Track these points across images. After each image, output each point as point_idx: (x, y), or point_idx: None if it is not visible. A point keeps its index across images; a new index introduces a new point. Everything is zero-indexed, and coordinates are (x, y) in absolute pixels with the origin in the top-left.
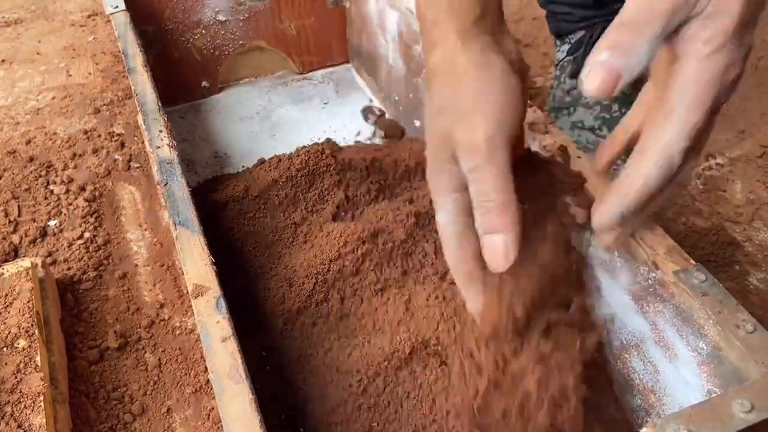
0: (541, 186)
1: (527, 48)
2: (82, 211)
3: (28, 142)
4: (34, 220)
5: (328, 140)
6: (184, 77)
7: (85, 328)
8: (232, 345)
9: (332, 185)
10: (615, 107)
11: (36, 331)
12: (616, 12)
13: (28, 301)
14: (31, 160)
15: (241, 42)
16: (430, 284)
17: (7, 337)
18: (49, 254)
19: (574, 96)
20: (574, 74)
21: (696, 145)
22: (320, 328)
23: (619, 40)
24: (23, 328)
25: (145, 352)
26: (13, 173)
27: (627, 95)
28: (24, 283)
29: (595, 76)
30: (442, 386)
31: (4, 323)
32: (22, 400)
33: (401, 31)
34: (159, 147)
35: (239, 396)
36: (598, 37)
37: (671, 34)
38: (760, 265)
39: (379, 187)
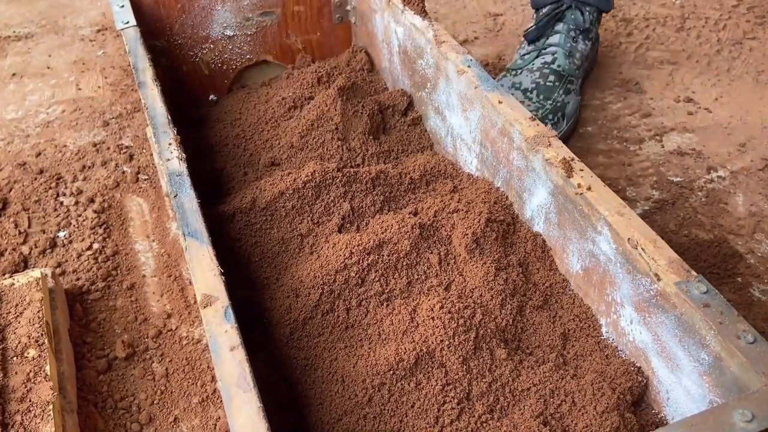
0: None
1: None
2: (91, 222)
3: (38, 154)
4: (44, 231)
5: None
6: (192, 90)
7: (94, 338)
8: (241, 354)
9: (338, 197)
10: (551, 78)
11: (45, 341)
12: None
13: (38, 311)
14: (41, 172)
15: (248, 56)
16: (435, 295)
17: (17, 346)
18: (59, 265)
19: (525, 60)
20: (532, 40)
21: None
22: (326, 338)
23: None
24: (33, 338)
25: (153, 362)
26: (23, 185)
27: (563, 75)
28: (34, 293)
29: None
30: None
31: (15, 333)
32: (31, 408)
33: (405, 46)
34: (169, 159)
35: (247, 404)
36: (562, 13)
37: None
38: (762, 277)
39: (384, 199)
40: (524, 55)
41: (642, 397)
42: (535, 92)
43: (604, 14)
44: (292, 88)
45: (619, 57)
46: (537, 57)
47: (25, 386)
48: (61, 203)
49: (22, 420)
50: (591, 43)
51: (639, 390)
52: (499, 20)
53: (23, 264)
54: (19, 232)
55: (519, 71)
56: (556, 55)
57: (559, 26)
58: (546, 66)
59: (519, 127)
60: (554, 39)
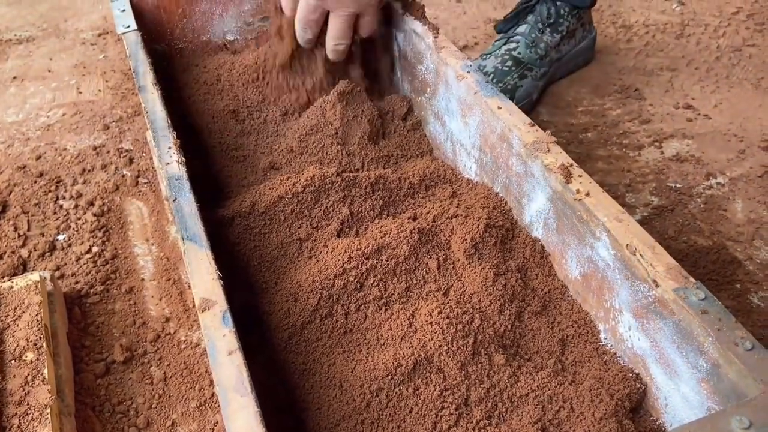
0: None
1: None
2: (91, 225)
3: (39, 157)
4: (43, 235)
5: None
6: None
7: (92, 342)
8: (238, 358)
9: (337, 201)
10: (509, 63)
11: (44, 344)
12: None
13: (37, 315)
14: (41, 175)
15: None
16: (434, 300)
17: (15, 349)
18: (58, 268)
19: (495, 47)
20: (501, 30)
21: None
22: (324, 342)
23: None
24: (31, 341)
25: (151, 366)
26: (23, 188)
27: (522, 61)
28: (33, 296)
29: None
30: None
31: (13, 336)
32: (29, 412)
33: (405, 51)
34: (168, 163)
35: (245, 409)
36: (533, 6)
37: None
38: (761, 284)
39: (384, 204)
40: (495, 41)
41: (640, 404)
42: (492, 75)
43: (590, 9)
44: None
45: (619, 63)
46: (504, 44)
47: (23, 389)
48: (61, 206)
49: (20, 423)
50: (561, 36)
51: (637, 396)
52: None
53: (22, 267)
54: (19, 235)
55: (488, 56)
56: (518, 44)
57: (529, 18)
58: (508, 52)
59: (518, 132)
60: (520, 29)
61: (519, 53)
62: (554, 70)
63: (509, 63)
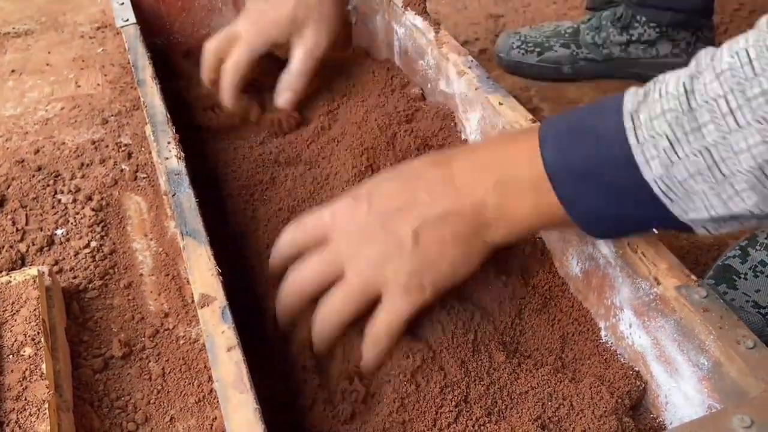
0: None
1: None
2: (89, 220)
3: (37, 151)
4: (42, 229)
5: None
6: None
7: (90, 337)
8: (237, 354)
9: None
10: (569, 30)
11: (42, 339)
12: None
13: (35, 309)
14: (39, 169)
15: None
16: None
17: (13, 344)
18: (56, 263)
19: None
20: (588, 6)
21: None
22: None
23: None
24: (29, 336)
25: (149, 362)
26: (21, 182)
27: (577, 32)
28: (31, 291)
29: None
30: None
31: (11, 331)
32: (27, 407)
33: (406, 47)
34: (167, 158)
35: (244, 405)
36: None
37: None
38: None
39: None
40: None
41: (640, 402)
42: (550, 31)
43: (696, 33)
44: None
45: None
46: (587, 19)
47: (21, 384)
48: (59, 201)
49: (18, 418)
50: (629, 39)
51: (637, 394)
52: (500, 21)
53: (20, 262)
54: (17, 230)
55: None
56: (590, 20)
57: (608, 10)
58: (577, 23)
59: (519, 129)
60: (606, 13)
61: (581, 26)
62: (617, 68)
63: (569, 30)
